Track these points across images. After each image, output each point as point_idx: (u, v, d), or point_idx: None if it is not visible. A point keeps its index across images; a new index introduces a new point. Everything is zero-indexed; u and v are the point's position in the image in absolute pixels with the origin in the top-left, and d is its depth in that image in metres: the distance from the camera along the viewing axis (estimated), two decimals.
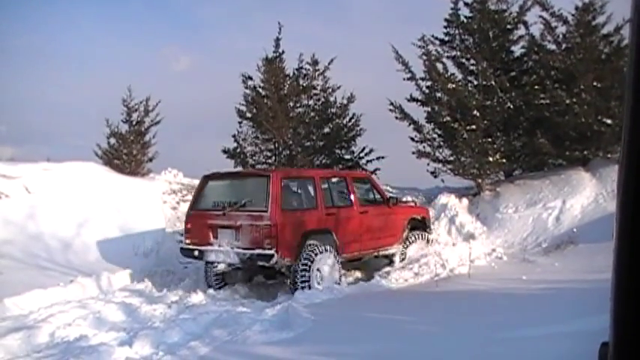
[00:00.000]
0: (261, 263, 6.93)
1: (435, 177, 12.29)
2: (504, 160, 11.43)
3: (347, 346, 4.43)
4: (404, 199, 10.46)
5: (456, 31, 12.35)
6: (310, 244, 7.12)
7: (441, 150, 12.11)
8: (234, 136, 15.62)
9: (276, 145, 15.35)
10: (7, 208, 9.41)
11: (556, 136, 11.11)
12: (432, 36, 12.31)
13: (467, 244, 9.76)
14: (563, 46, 11.53)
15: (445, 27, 12.40)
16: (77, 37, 37.66)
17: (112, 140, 18.69)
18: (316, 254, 7.08)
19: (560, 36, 11.59)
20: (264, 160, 15.63)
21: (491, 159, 11.14)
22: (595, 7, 11.33)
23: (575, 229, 9.39)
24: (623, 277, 0.72)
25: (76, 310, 5.91)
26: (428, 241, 9.25)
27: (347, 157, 15.27)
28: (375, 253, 8.63)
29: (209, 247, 7.29)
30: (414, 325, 5.06)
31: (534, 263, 8.69)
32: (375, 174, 14.90)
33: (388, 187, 13.00)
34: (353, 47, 36.57)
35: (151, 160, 19.07)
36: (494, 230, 10.34)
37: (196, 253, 7.44)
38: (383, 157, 14.87)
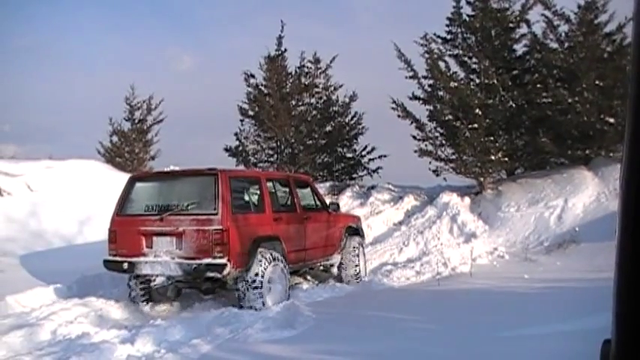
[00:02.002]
0: (211, 275, 5.94)
1: (437, 175, 12.31)
2: (506, 159, 11.43)
3: (349, 345, 4.43)
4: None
5: (459, 30, 12.34)
6: (261, 253, 6.25)
7: (443, 148, 12.11)
8: (236, 134, 15.64)
9: (278, 144, 15.37)
10: (9, 206, 9.45)
11: (558, 134, 11.09)
12: (434, 34, 12.33)
13: (469, 242, 9.78)
14: (566, 44, 11.51)
15: (447, 25, 12.40)
16: (81, 37, 37.86)
17: (115, 138, 18.79)
18: (268, 265, 6.22)
19: (563, 34, 11.58)
20: (265, 159, 15.66)
21: (493, 158, 11.13)
22: (597, 5, 11.32)
23: (577, 228, 9.38)
24: (625, 274, 0.72)
25: (78, 307, 5.92)
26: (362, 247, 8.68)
27: (349, 155, 15.30)
28: (317, 263, 7.94)
29: (142, 259, 6.12)
30: (416, 323, 5.07)
31: (536, 262, 8.69)
32: (377, 172, 14.95)
33: (390, 186, 13.00)
34: (355, 46, 36.58)
35: (153, 158, 19.20)
36: (496, 229, 10.32)
37: (125, 265, 6.18)
38: (385, 156, 14.91)
